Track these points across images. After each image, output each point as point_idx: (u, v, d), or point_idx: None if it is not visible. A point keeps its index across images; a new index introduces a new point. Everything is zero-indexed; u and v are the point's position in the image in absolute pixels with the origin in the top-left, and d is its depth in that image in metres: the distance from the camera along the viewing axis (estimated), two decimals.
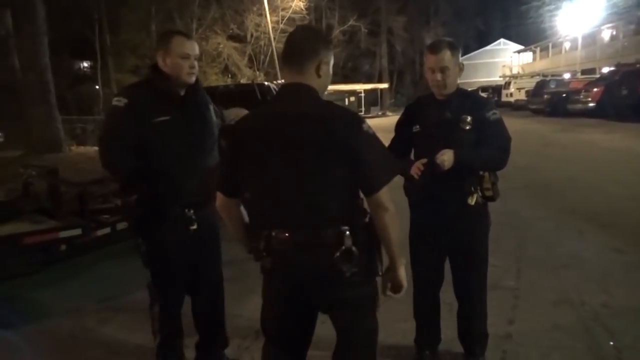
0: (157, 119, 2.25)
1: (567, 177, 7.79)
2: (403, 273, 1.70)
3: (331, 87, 26.27)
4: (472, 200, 2.25)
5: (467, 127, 2.24)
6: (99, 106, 20.15)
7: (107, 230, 4.98)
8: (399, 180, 2.08)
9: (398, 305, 2.91)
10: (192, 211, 2.32)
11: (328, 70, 1.69)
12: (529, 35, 44.63)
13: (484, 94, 34.96)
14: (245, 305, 3.48)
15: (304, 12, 29.49)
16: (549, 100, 20.94)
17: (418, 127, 2.34)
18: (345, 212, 1.58)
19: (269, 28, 25.31)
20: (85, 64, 28.88)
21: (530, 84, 25.78)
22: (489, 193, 2.28)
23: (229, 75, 26.70)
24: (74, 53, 23.19)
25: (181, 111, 2.33)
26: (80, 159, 11.20)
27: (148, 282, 2.48)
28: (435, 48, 2.25)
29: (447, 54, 2.22)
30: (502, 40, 52.90)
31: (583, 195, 6.51)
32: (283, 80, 1.79)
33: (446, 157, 2.15)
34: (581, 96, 18.64)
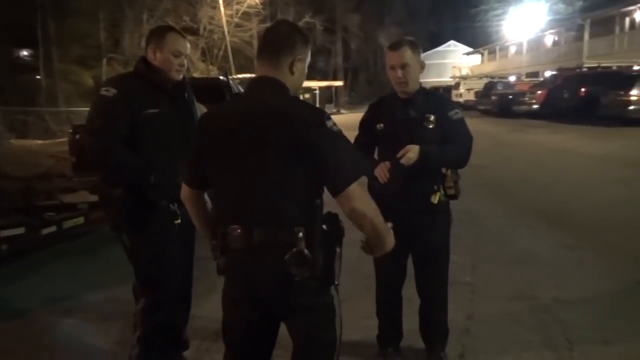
0: (148, 110, 2.24)
1: (518, 176, 8.11)
2: (391, 239, 1.67)
3: None
4: (435, 199, 2.28)
5: (431, 126, 2.26)
6: (41, 97, 19.12)
7: (53, 228, 4.72)
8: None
9: (360, 302, 2.94)
10: (176, 205, 2.25)
11: (303, 68, 1.63)
12: (478, 38, 46.25)
13: None
14: (204, 305, 3.37)
15: (259, 6, 29.19)
16: (497, 102, 21.77)
17: (382, 125, 2.34)
18: (302, 213, 1.51)
19: (223, 21, 24.87)
20: (26, 52, 27.33)
21: (479, 85, 26.70)
22: (451, 191, 2.32)
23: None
24: (14, 40, 21.83)
25: (170, 105, 2.32)
26: (22, 152, 10.59)
27: (133, 282, 2.40)
28: (395, 45, 2.28)
29: (407, 52, 2.24)
30: (452, 42, 54.45)
31: (533, 194, 6.78)
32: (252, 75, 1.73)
33: (412, 153, 2.16)
34: (526, 98, 19.51)
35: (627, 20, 24.33)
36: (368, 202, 1.54)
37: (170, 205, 2.28)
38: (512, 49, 36.78)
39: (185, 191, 1.71)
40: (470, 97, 27.25)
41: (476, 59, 45.74)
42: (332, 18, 39.36)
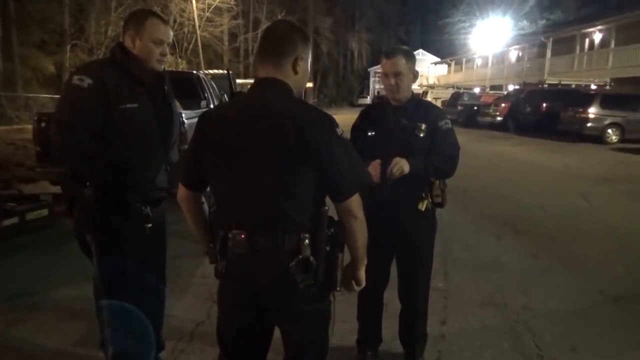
0: (126, 105, 2.06)
1: (482, 184, 8.33)
2: (363, 273, 1.67)
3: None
4: (422, 206, 2.31)
5: (422, 135, 2.28)
6: None
7: (15, 220, 4.50)
8: None
9: (339, 305, 2.94)
10: (148, 208, 2.14)
11: (306, 67, 1.61)
12: (446, 48, 47.37)
13: None
14: (177, 304, 3.32)
15: (232, 2, 28.88)
16: (463, 112, 22.34)
17: (373, 132, 2.35)
18: (308, 219, 1.50)
19: (194, 15, 24.45)
20: None
21: (446, 94, 27.36)
22: (438, 199, 2.35)
23: None
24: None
25: (149, 99, 2.15)
26: None
27: (96, 283, 2.25)
28: (390, 53, 2.28)
29: (401, 60, 2.25)
30: (421, 50, 55.46)
31: (497, 203, 6.99)
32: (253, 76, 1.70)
33: (403, 166, 2.18)
34: (491, 110, 20.12)
35: (587, 40, 25.47)
36: (363, 211, 1.56)
37: (143, 208, 2.14)
38: (478, 62, 37.84)
39: (182, 192, 1.66)
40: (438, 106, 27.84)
41: (443, 69, 46.82)
42: (305, 19, 39.41)
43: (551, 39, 26.69)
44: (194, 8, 24.46)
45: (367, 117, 2.47)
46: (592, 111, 15.02)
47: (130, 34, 2.12)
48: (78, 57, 22.16)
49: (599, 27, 23.84)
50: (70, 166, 2.18)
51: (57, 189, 5.14)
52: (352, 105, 51.73)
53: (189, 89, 7.94)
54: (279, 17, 34.31)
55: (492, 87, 30.97)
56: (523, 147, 13.98)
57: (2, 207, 4.67)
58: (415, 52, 37.28)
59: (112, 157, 2.06)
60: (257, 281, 1.51)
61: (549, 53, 26.54)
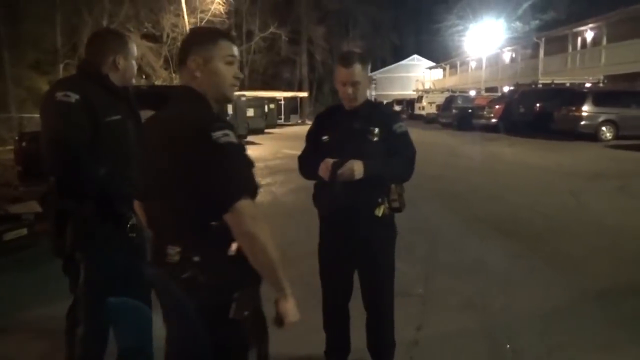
0: (110, 117, 2.12)
1: (473, 186, 8.25)
2: (289, 305, 1.44)
3: (250, 93, 25.80)
4: (379, 212, 2.23)
5: (375, 139, 2.22)
6: None
7: None
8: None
9: (310, 316, 2.86)
10: (134, 217, 2.11)
11: (208, 68, 1.50)
12: (440, 52, 47.50)
13: (398, 107, 36.62)
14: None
15: (224, 16, 29.02)
16: (457, 115, 22.30)
17: (327, 137, 2.30)
18: (197, 235, 1.42)
19: (186, 29, 24.53)
20: None
21: (441, 98, 27.32)
22: (395, 204, 2.27)
23: (143, 76, 25.49)
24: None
25: (128, 111, 2.23)
26: None
27: (76, 300, 2.23)
28: (346, 61, 2.20)
29: (357, 68, 2.18)
30: (415, 56, 55.65)
31: (487, 204, 6.91)
32: None
33: (356, 168, 2.11)
34: (485, 112, 20.07)
35: (579, 39, 25.49)
36: (261, 225, 1.37)
37: (133, 217, 2.11)
38: (472, 64, 37.89)
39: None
40: (432, 110, 27.87)
41: (438, 73, 46.89)
42: (298, 29, 39.58)
43: (544, 39, 26.74)
44: (186, 23, 24.56)
45: (322, 122, 2.41)
46: (586, 109, 14.95)
47: (115, 54, 2.22)
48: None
49: (591, 25, 23.87)
50: (64, 182, 2.15)
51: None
52: None
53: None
54: (272, 28, 34.61)
55: (487, 90, 30.96)
56: (516, 147, 13.91)
57: None
58: (410, 58, 37.32)
59: (103, 169, 2.10)
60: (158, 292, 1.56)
61: (542, 53, 26.56)
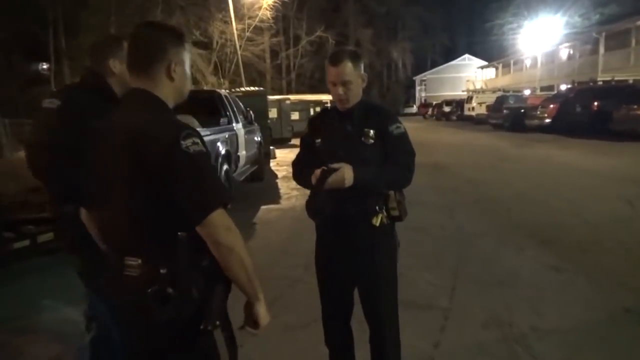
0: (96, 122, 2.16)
1: (517, 192, 7.83)
2: (262, 309, 1.45)
3: (296, 97, 26.01)
4: (376, 221, 2.08)
5: (370, 142, 2.07)
6: None
7: (26, 242, 4.65)
8: None
9: (315, 329, 2.76)
10: None
11: (183, 72, 1.49)
12: (493, 51, 45.95)
13: (447, 108, 35.71)
14: None
15: (271, 21, 29.43)
16: (508, 116, 21.43)
17: (320, 140, 2.18)
18: (163, 247, 1.37)
19: (234, 36, 25.06)
20: (45, 66, 27.93)
21: (492, 98, 26.36)
22: (395, 212, 2.11)
23: (194, 82, 26.27)
24: (28, 54, 22.32)
25: None
26: (22, 164, 10.65)
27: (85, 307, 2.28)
28: (335, 59, 2.06)
29: (348, 66, 2.04)
30: (467, 55, 54.17)
31: (529, 211, 6.51)
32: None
33: (346, 175, 1.97)
34: (538, 112, 19.14)
35: None
36: (236, 236, 1.35)
37: None
38: (527, 63, 36.39)
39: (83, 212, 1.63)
40: (482, 110, 26.93)
41: (490, 72, 45.40)
42: (345, 32, 39.54)
43: (604, 34, 25.23)
44: (234, 29, 25.06)
45: (315, 125, 2.29)
46: None
47: (113, 57, 2.22)
48: None
49: None
50: (49, 187, 2.23)
51: None
52: (399, 114, 50.67)
53: (209, 106, 8.05)
54: (318, 32, 34.75)
55: (543, 89, 29.58)
56: (569, 150, 13.12)
57: (19, 229, 4.85)
58: (461, 58, 36.59)
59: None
60: (116, 307, 1.50)
61: (602, 49, 25.07)
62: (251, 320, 1.46)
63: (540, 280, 4.03)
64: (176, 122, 1.42)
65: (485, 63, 47.16)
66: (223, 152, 7.09)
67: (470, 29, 54.64)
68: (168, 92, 1.48)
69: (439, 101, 40.06)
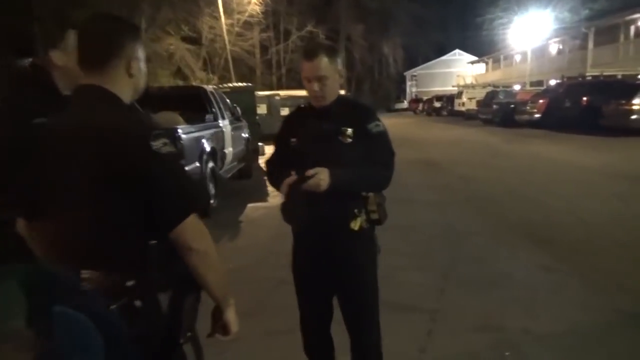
0: (37, 120, 1.96)
1: (509, 189, 7.74)
2: (232, 315, 1.41)
3: (286, 93, 25.96)
4: (355, 225, 1.94)
5: (348, 141, 1.93)
6: None
7: None
8: None
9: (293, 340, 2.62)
10: None
11: (139, 67, 1.38)
12: (484, 46, 46.01)
13: (438, 103, 35.67)
14: None
15: (261, 16, 29.14)
16: (498, 111, 21.40)
17: (295, 140, 2.03)
18: (131, 256, 1.25)
19: (223, 31, 24.78)
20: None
21: (482, 94, 26.32)
22: (374, 216, 1.98)
23: (183, 78, 25.96)
24: (15, 51, 21.89)
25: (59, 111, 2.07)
26: None
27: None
28: (309, 54, 1.93)
29: (323, 61, 1.90)
30: (457, 50, 54.26)
31: (521, 208, 6.41)
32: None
33: (322, 178, 1.83)
34: (528, 107, 19.12)
35: (632, 28, 23.90)
36: (209, 241, 1.31)
37: None
38: (517, 58, 36.43)
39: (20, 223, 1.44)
40: (472, 106, 26.92)
41: (481, 67, 45.44)
42: (336, 28, 39.30)
43: (593, 29, 25.24)
44: (223, 24, 24.76)
45: (290, 123, 2.15)
46: (638, 102, 13.89)
47: (57, 49, 1.97)
48: None
49: None
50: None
51: None
52: (390, 110, 51.05)
53: (195, 103, 7.87)
54: (309, 27, 34.50)
55: (533, 84, 29.60)
56: (560, 145, 13.09)
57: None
58: (451, 53, 36.60)
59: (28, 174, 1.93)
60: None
61: (591, 44, 25.09)
62: (220, 327, 1.41)
63: (533, 281, 3.93)
64: (143, 122, 1.34)
65: (476, 58, 47.20)
66: (208, 149, 6.93)
67: (461, 24, 54.74)
68: (125, 89, 1.36)
69: (430, 97, 40.05)
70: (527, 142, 14.49)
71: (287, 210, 1.98)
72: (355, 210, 1.94)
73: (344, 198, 1.92)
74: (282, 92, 24.26)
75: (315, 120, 1.99)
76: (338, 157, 1.90)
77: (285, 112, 22.36)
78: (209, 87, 9.16)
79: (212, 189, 7.02)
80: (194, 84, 24.42)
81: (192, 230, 1.26)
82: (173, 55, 25.14)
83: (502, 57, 39.01)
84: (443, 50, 55.30)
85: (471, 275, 4.09)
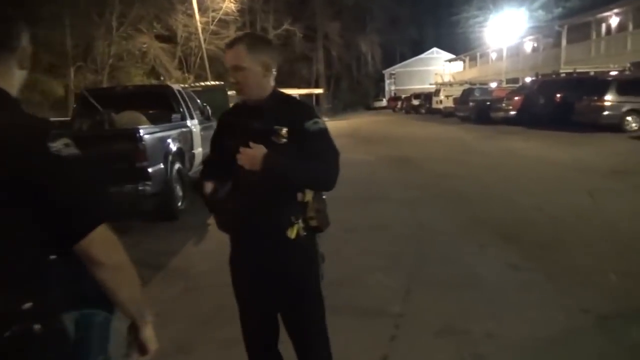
0: None
1: (481, 186, 7.70)
2: (149, 332, 1.27)
3: None
4: (292, 233, 1.78)
5: (283, 141, 1.77)
6: None
7: None
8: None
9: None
10: None
11: (28, 57, 1.22)
12: (460, 44, 46.40)
13: (416, 101, 35.81)
14: None
15: (236, 14, 28.78)
16: (474, 108, 21.54)
17: (227, 139, 1.87)
18: (28, 273, 1.09)
19: (198, 29, 24.38)
20: None
21: (459, 91, 26.49)
22: (313, 223, 1.82)
23: (157, 77, 25.48)
24: None
25: None
26: None
27: None
28: (230, 43, 1.82)
29: (240, 50, 1.76)
30: (435, 49, 54.60)
31: (492, 206, 6.37)
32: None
33: (257, 154, 1.69)
34: (503, 104, 19.28)
35: (604, 25, 24.32)
36: (121, 254, 1.16)
37: None
38: (493, 56, 36.82)
39: None
40: (450, 103, 27.07)
41: (458, 65, 45.82)
42: (313, 25, 39.16)
43: (566, 27, 25.62)
44: (198, 22, 24.35)
45: (224, 123, 2.00)
46: (609, 98, 14.11)
47: None
48: (85, 78, 22.35)
49: (616, 10, 22.72)
50: None
51: None
52: (369, 108, 51.14)
53: (161, 102, 7.64)
54: (285, 25, 34.27)
55: (509, 81, 29.94)
56: (534, 142, 13.18)
57: None
58: (429, 51, 36.66)
59: None
60: None
61: (564, 41, 25.48)
62: (137, 345, 1.27)
63: (500, 281, 3.84)
64: (40, 121, 1.16)
65: (453, 56, 47.57)
66: (174, 149, 6.73)
67: (437, 22, 55.09)
68: (15, 83, 1.20)
69: (408, 95, 40.21)
70: (501, 138, 14.59)
71: (218, 216, 1.84)
72: (292, 218, 1.78)
73: (278, 203, 1.77)
74: None
75: (247, 118, 1.83)
76: None
77: None
78: (177, 86, 8.93)
79: (179, 191, 6.83)
80: (168, 83, 24.07)
81: (101, 243, 1.11)
82: (146, 54, 24.66)
83: (478, 55, 39.40)
84: (419, 49, 55.62)
85: (438, 276, 3.99)
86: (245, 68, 1.76)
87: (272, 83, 1.86)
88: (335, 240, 5.17)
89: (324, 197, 1.87)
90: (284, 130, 1.76)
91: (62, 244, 1.09)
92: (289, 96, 1.94)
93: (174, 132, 6.98)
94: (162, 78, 24.42)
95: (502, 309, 3.32)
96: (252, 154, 1.70)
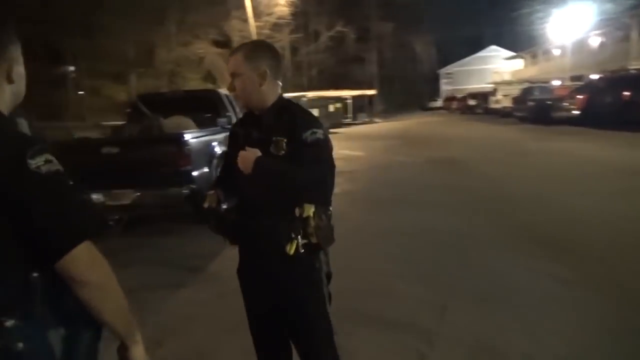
0: None
1: (534, 191, 7.29)
2: (138, 352, 1.23)
3: (314, 94, 25.76)
4: (291, 249, 1.70)
5: (281, 153, 1.71)
6: (68, 111, 19.73)
7: None
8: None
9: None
10: None
11: (20, 71, 1.22)
12: (521, 42, 44.55)
13: (473, 101, 34.70)
14: None
15: (289, 17, 29.11)
16: (533, 108, 20.56)
17: (232, 151, 1.85)
18: (9, 293, 1.08)
19: (253, 33, 24.85)
20: (72, 69, 28.46)
21: (518, 90, 25.41)
22: (314, 239, 1.72)
23: (213, 82, 26.25)
24: (50, 58, 22.73)
25: None
26: None
27: None
28: (232, 51, 1.84)
29: (237, 58, 1.76)
30: (493, 46, 52.81)
31: (541, 213, 6.00)
32: None
33: (250, 156, 1.68)
34: (566, 103, 18.27)
35: None
36: (105, 272, 1.13)
37: None
38: (556, 52, 35.05)
39: None
40: (508, 103, 26.00)
41: (518, 63, 44.00)
42: (366, 26, 38.90)
43: (637, 19, 23.93)
44: (252, 27, 24.83)
45: (232, 132, 1.99)
46: None
47: None
48: (146, 83, 23.42)
49: None
50: None
51: None
52: (424, 109, 50.15)
53: (208, 107, 7.80)
54: (339, 27, 34.26)
55: (573, 78, 28.36)
56: (597, 143, 12.35)
57: None
58: (487, 49, 35.53)
59: None
60: None
61: (634, 35, 23.79)
62: None
63: (545, 297, 3.57)
64: (21, 137, 1.15)
65: (512, 54, 45.75)
66: (219, 152, 6.84)
67: (496, 18, 53.23)
68: (6, 98, 1.19)
69: (464, 95, 39.07)
70: (562, 139, 13.82)
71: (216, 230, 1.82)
72: (292, 233, 1.70)
73: (279, 217, 1.71)
74: (310, 93, 24.21)
75: (249, 128, 1.81)
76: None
77: (314, 113, 22.30)
78: (223, 91, 9.09)
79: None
80: (221, 87, 24.72)
81: (82, 261, 1.08)
82: (203, 59, 25.47)
83: (540, 51, 37.64)
84: (477, 47, 53.99)
85: (479, 290, 3.76)
86: (243, 75, 1.75)
87: (277, 91, 1.83)
88: (367, 247, 5.06)
89: (329, 212, 1.77)
90: (284, 142, 1.70)
91: (43, 262, 1.08)
92: (291, 105, 1.87)
93: (219, 137, 7.10)
94: (217, 82, 25.10)
95: (543, 328, 3.08)
96: (246, 156, 1.70)
